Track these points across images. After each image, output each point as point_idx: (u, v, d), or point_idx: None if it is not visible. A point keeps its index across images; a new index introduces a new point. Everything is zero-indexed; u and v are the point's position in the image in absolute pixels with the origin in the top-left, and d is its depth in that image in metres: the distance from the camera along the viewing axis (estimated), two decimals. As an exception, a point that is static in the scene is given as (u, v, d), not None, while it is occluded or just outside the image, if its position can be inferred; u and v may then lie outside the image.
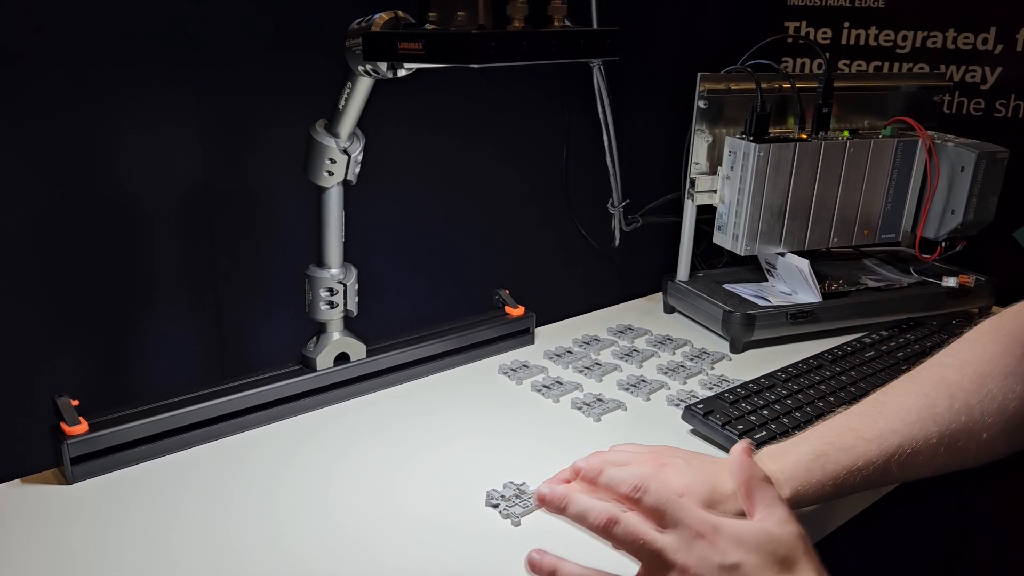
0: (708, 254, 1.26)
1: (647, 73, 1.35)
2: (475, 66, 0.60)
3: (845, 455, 0.63)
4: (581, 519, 0.54)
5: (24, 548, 0.65)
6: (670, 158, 1.15)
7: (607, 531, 0.52)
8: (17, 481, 0.74)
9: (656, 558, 0.51)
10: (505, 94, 1.23)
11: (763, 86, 1.04)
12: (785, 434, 0.79)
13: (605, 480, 0.54)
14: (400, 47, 0.66)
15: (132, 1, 0.90)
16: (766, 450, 0.70)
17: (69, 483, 0.73)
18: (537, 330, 1.06)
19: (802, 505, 0.67)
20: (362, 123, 0.82)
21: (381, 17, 0.73)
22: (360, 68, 0.76)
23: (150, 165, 0.96)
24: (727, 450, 0.80)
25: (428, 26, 0.65)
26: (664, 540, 0.51)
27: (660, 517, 0.52)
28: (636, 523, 0.52)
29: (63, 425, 0.73)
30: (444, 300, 1.24)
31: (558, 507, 0.55)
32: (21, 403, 0.89)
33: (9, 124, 0.85)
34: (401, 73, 0.75)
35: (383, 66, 0.74)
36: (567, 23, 0.65)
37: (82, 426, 0.73)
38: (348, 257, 0.88)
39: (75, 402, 0.74)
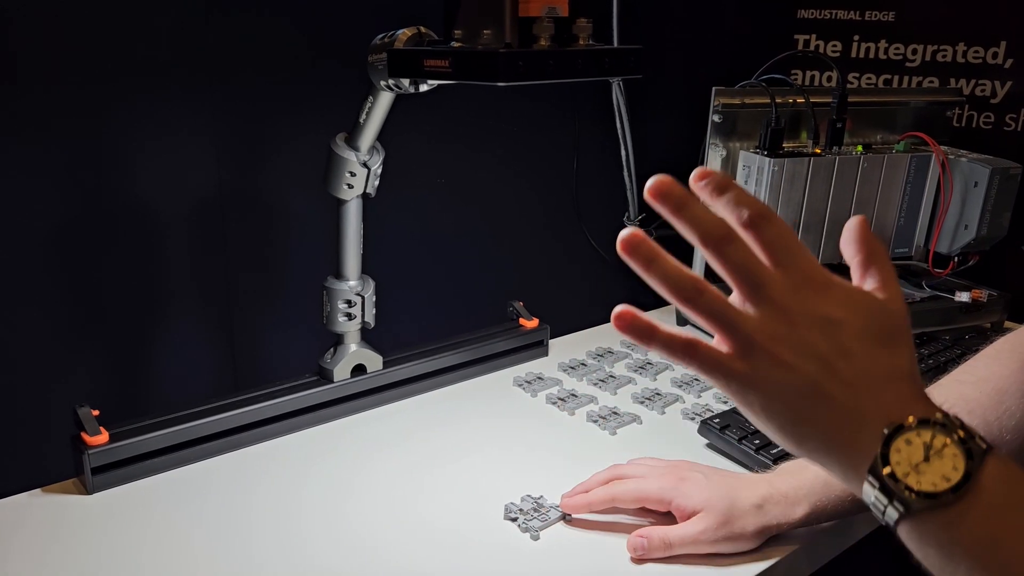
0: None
1: (661, 87, 1.35)
2: (502, 84, 0.60)
3: None
4: (694, 225, 0.46)
5: (45, 557, 0.66)
6: (684, 172, 1.16)
7: (719, 248, 0.45)
8: (38, 491, 0.74)
9: (759, 290, 0.45)
10: (515, 107, 1.24)
11: (777, 101, 1.05)
12: (802, 449, 0.79)
13: (725, 199, 0.46)
14: (426, 64, 0.66)
15: (151, 13, 0.91)
16: (784, 466, 0.70)
17: (89, 493, 0.73)
18: (551, 342, 1.06)
19: (821, 520, 0.67)
20: (380, 134, 0.83)
21: (404, 33, 0.73)
22: (382, 83, 0.76)
23: (166, 176, 0.96)
24: (743, 464, 0.80)
25: (454, 44, 0.65)
26: (774, 275, 0.45)
27: (774, 251, 0.45)
28: (749, 249, 0.45)
29: (84, 435, 0.73)
30: (458, 312, 1.25)
31: (675, 204, 0.46)
32: (41, 413, 0.90)
33: (27, 135, 0.86)
34: (423, 88, 0.76)
35: (405, 81, 0.74)
36: (591, 42, 0.66)
37: (103, 436, 0.74)
38: (365, 269, 0.88)
39: (96, 412, 0.75)
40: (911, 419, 0.42)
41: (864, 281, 0.48)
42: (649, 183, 0.46)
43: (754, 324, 0.45)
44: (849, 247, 0.49)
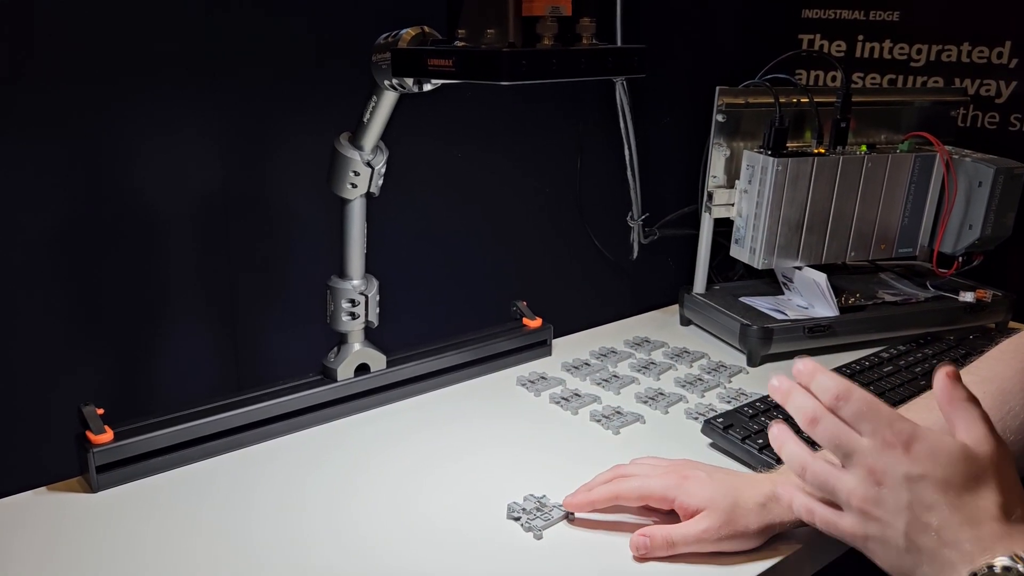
0: (722, 267, 1.26)
1: (665, 86, 1.35)
2: (505, 83, 0.60)
3: None
4: (794, 412, 0.58)
5: (50, 555, 0.66)
6: (687, 171, 1.16)
7: (810, 428, 0.57)
8: (43, 489, 0.75)
9: (849, 458, 0.55)
10: (519, 106, 1.24)
11: (781, 100, 1.05)
12: (805, 449, 0.79)
13: (814, 385, 0.57)
14: (430, 63, 0.66)
15: (154, 11, 0.91)
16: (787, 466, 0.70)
17: (94, 491, 0.74)
18: (554, 342, 1.06)
19: None
20: (384, 133, 0.83)
21: (408, 33, 0.74)
22: (386, 82, 0.76)
23: (169, 174, 0.97)
24: (747, 464, 0.80)
25: (458, 43, 0.65)
26: (860, 443, 0.55)
27: (858, 424, 0.55)
28: (835, 425, 0.56)
29: (89, 434, 0.73)
30: (462, 311, 1.25)
31: (782, 397, 0.59)
32: (44, 411, 0.90)
33: (30, 133, 0.86)
34: (427, 88, 0.76)
35: (409, 81, 0.75)
36: (595, 41, 0.66)
37: (107, 435, 0.74)
38: (368, 268, 0.88)
39: (100, 411, 0.75)
40: (995, 564, 0.48)
41: (953, 426, 0.55)
42: (771, 384, 0.60)
43: (850, 488, 0.55)
44: (936, 397, 0.57)
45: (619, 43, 1.03)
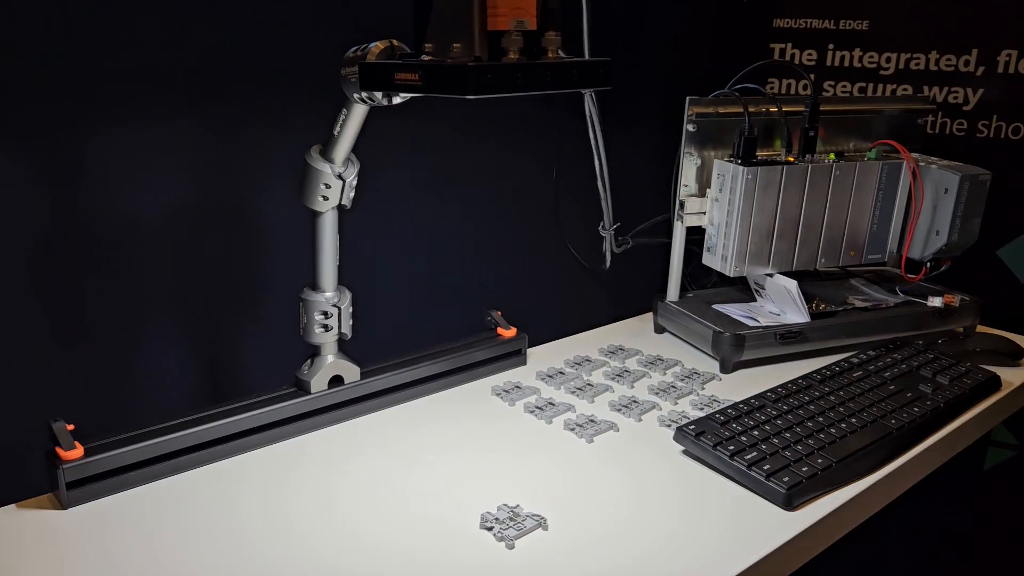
0: (698, 274, 1.27)
1: (637, 96, 1.36)
2: (471, 97, 0.61)
3: None
4: None
5: (20, 573, 0.65)
6: (660, 180, 1.17)
7: None
8: (12, 506, 0.74)
9: None
10: (496, 117, 1.25)
11: (750, 110, 1.06)
12: (775, 455, 0.80)
13: None
14: (397, 77, 0.67)
15: (127, 25, 0.91)
16: None
17: (64, 508, 0.73)
18: (529, 351, 1.07)
19: None
20: (355, 145, 0.83)
21: (377, 46, 0.74)
22: (356, 96, 0.77)
23: (144, 188, 0.96)
24: (719, 470, 0.81)
25: (424, 57, 0.66)
26: None
27: None
28: None
29: (59, 450, 0.73)
30: (437, 322, 1.25)
31: None
32: (15, 427, 0.89)
33: (3, 147, 0.86)
34: (396, 101, 0.77)
35: (379, 94, 0.75)
36: (561, 54, 0.67)
37: (78, 451, 0.73)
38: (341, 280, 0.89)
39: (71, 427, 0.74)
40: None
41: None
42: None
43: None
44: None
45: (587, 56, 1.04)
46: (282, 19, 1.01)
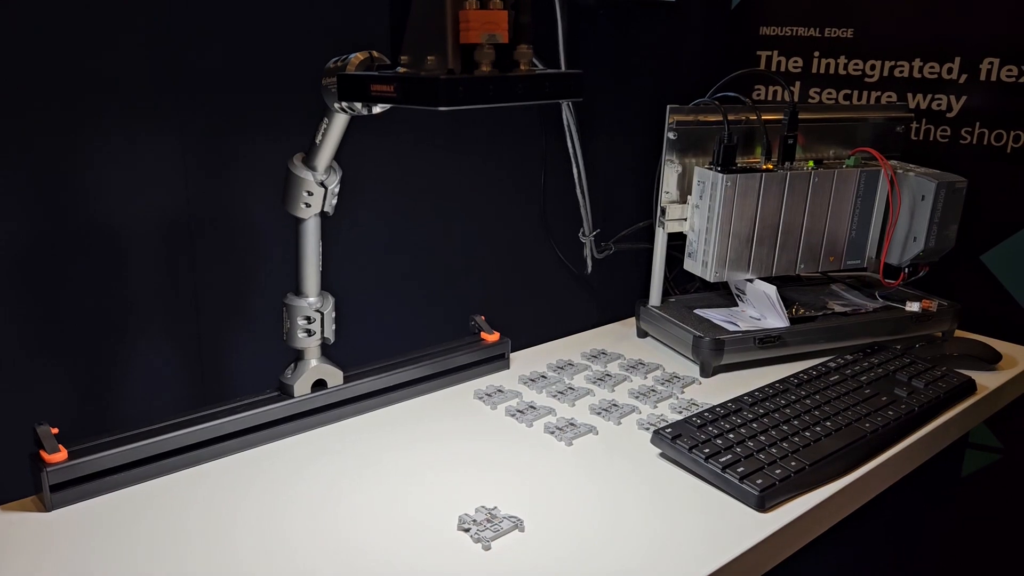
0: (681, 279, 1.29)
1: (624, 103, 1.38)
2: (443, 109, 0.62)
3: None
4: None
5: (3, 575, 0.67)
6: (642, 187, 1.18)
7: None
8: (-4, 508, 0.75)
9: None
10: (482, 125, 1.26)
11: (730, 118, 1.08)
12: (750, 457, 0.81)
13: None
14: (373, 89, 0.69)
15: (117, 32, 0.92)
16: None
17: (48, 510, 0.74)
18: (512, 355, 1.08)
19: None
20: (339, 152, 0.85)
21: (356, 57, 0.76)
22: (336, 105, 0.78)
23: (131, 193, 0.98)
24: (695, 473, 0.82)
25: (400, 69, 0.68)
26: None
27: None
28: None
29: (43, 453, 0.74)
30: (420, 326, 1.26)
31: None
32: (1, 430, 0.90)
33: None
34: (376, 110, 0.78)
35: (358, 104, 0.77)
36: (535, 64, 0.68)
37: (62, 454, 0.75)
38: (325, 285, 0.90)
39: (55, 430, 0.76)
40: None
41: None
42: None
43: None
44: None
45: (563, 67, 1.05)
46: (267, 29, 1.03)
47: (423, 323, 1.27)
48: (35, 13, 0.86)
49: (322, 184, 0.84)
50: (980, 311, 1.23)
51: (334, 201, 0.86)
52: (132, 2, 0.92)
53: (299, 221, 0.86)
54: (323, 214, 0.87)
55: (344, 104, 0.77)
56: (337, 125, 0.81)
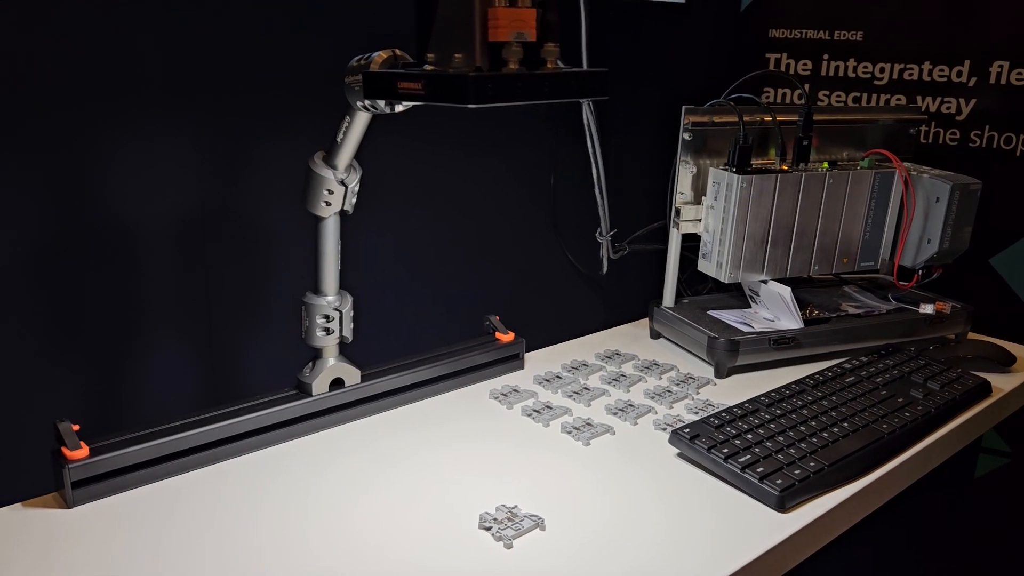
0: (693, 280, 1.29)
1: (635, 105, 1.38)
2: (472, 106, 0.63)
3: None
4: None
5: (25, 572, 0.66)
6: (656, 187, 1.19)
7: None
8: (18, 505, 0.75)
9: None
10: (495, 125, 1.27)
11: (745, 119, 1.08)
12: (768, 458, 0.81)
13: None
14: (400, 86, 0.69)
15: (133, 31, 0.92)
16: None
17: (70, 507, 0.74)
18: (527, 355, 1.08)
19: None
20: (357, 152, 0.85)
21: (380, 56, 0.76)
22: (359, 104, 0.78)
23: (147, 192, 0.98)
24: (713, 473, 0.82)
25: (427, 67, 0.68)
26: None
27: None
28: None
29: (64, 450, 0.74)
30: (436, 326, 1.26)
31: None
32: (21, 427, 0.90)
33: (8, 150, 0.87)
34: (399, 109, 0.78)
35: (381, 102, 0.77)
36: (559, 64, 0.68)
37: (83, 451, 0.75)
38: (343, 284, 0.90)
39: (76, 427, 0.76)
40: None
41: None
42: None
43: None
44: None
45: (585, 67, 1.06)
46: (287, 28, 1.03)
47: (438, 323, 1.27)
48: (51, 17, 0.86)
49: (342, 183, 0.84)
50: (989, 314, 1.24)
51: (354, 200, 0.86)
52: (147, 3, 0.92)
53: (319, 220, 0.86)
54: (343, 213, 0.87)
55: (367, 102, 0.77)
56: (359, 124, 0.81)
